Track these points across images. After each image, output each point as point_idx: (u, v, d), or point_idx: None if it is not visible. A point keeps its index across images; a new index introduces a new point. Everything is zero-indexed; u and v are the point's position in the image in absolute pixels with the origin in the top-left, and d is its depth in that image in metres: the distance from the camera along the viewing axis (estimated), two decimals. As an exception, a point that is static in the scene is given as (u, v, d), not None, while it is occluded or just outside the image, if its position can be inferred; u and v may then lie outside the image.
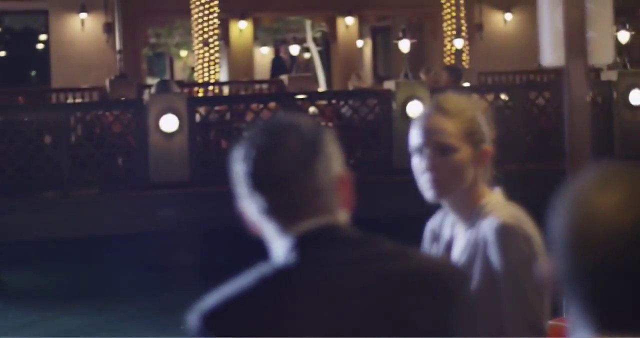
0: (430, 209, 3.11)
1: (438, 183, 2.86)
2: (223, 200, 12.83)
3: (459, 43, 20.49)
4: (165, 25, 29.16)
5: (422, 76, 15.73)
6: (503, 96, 14.59)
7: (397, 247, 2.07)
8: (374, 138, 13.80)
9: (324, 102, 14.39)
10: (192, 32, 21.14)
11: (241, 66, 25.80)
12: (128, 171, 13.38)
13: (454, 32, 22.48)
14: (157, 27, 29.27)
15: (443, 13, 23.00)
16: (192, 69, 25.13)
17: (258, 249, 2.19)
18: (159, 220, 12.83)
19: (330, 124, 14.06)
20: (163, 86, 13.51)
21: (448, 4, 22.89)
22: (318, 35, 30.09)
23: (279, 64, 24.43)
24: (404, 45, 13.89)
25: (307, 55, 32.70)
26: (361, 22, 26.74)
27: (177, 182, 13.02)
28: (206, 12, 21.01)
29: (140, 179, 13.15)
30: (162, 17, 26.05)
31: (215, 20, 20.90)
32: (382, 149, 13.71)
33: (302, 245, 2.00)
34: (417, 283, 2.04)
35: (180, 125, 13.02)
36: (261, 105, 13.79)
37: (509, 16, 26.88)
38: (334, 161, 2.06)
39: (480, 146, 2.89)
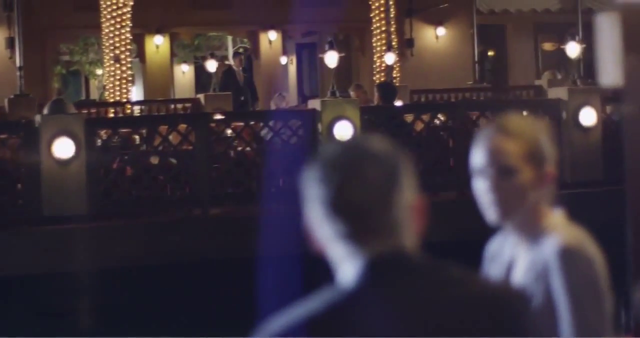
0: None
1: (500, 205, 2.86)
2: (126, 235, 11.17)
3: (389, 59, 19.05)
4: (76, 41, 27.50)
5: (352, 94, 14.30)
6: (441, 116, 13.19)
7: (462, 272, 2.14)
8: (297, 164, 12.23)
9: (241, 124, 12.82)
10: (103, 47, 19.52)
11: (158, 84, 24.15)
12: (16, 204, 11.65)
13: (384, 48, 21.05)
14: (69, 43, 27.61)
15: (372, 27, 21.58)
16: (104, 88, 23.45)
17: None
18: (51, 260, 11.17)
19: (248, 149, 12.52)
20: (57, 106, 11.83)
21: (377, 18, 21.48)
22: (240, 51, 28.59)
23: (229, 78, 21.91)
24: (331, 59, 12.36)
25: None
26: (285, 37, 25.25)
27: (74, 216, 11.35)
28: (117, 26, 19.35)
29: (30, 213, 11.46)
30: (73, 32, 24.34)
31: (128, 35, 19.29)
32: (307, 176, 12.17)
33: (372, 269, 2.08)
34: (482, 308, 2.10)
35: (77, 151, 11.36)
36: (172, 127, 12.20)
37: (441, 31, 25.57)
38: (410, 188, 2.12)
39: (542, 167, 2.93)
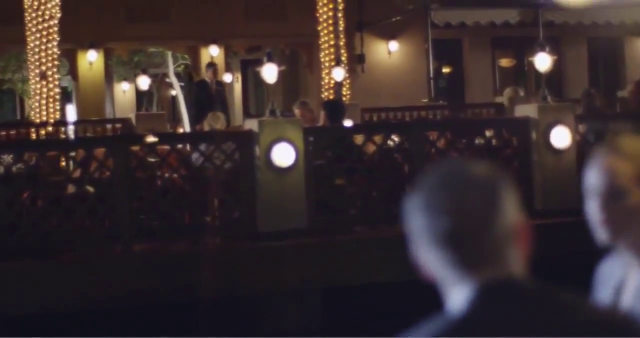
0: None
1: (610, 225, 2.81)
2: (33, 277, 9.49)
3: (338, 75, 17.53)
4: (2, 57, 25.85)
5: (296, 112, 12.80)
6: (395, 137, 11.70)
7: (575, 298, 2.15)
8: (232, 193, 10.70)
9: (166, 147, 11.23)
10: (28, 63, 17.87)
11: (91, 103, 22.48)
12: None
13: (333, 63, 19.54)
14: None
15: (320, 41, 20.06)
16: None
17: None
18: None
19: (175, 176, 10.93)
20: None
21: (325, 31, 19.96)
22: (181, 68, 27.06)
23: (201, 91, 19.32)
24: (269, 73, 10.79)
25: (174, 92, 29.64)
26: (228, 53, 23.70)
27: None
28: (44, 40, 17.65)
29: None
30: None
31: (55, 50, 17.61)
32: (243, 207, 10.63)
33: (483, 296, 2.08)
34: (598, 335, 2.08)
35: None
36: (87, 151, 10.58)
37: (393, 46, 24.16)
38: (514, 211, 2.13)
39: None
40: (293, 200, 10.66)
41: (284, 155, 10.55)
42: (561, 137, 11.47)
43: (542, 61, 11.74)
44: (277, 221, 10.59)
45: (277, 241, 10.51)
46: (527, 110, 11.65)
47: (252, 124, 10.75)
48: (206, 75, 19.78)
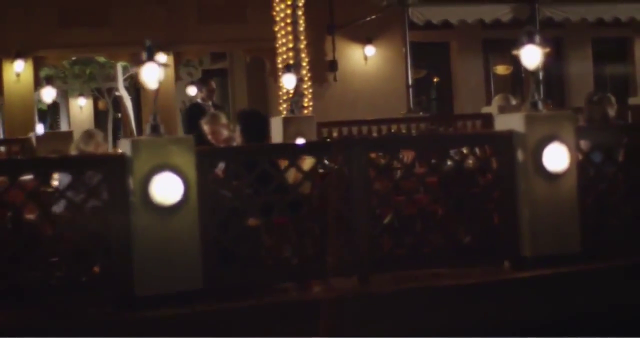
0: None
1: None
2: None
3: (288, 82, 14.45)
4: None
5: (205, 128, 9.84)
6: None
7: None
8: (99, 241, 7.64)
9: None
10: None
11: (19, 120, 19.48)
12: None
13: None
14: None
15: (277, 44, 17.09)
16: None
17: None
18: None
19: (31, 217, 7.89)
20: None
21: (283, 32, 16.98)
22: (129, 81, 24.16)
23: (195, 117, 14.47)
24: (150, 74, 7.74)
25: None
26: (179, 61, 20.68)
27: None
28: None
29: None
30: None
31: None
32: (113, 262, 7.59)
33: None
34: None
35: None
36: None
37: (370, 50, 21.12)
38: None
39: None
40: (182, 250, 7.63)
41: (167, 188, 7.53)
42: (557, 157, 8.42)
43: (531, 55, 8.69)
44: (161, 281, 7.57)
45: (159, 309, 7.48)
46: (511, 121, 8.59)
47: (124, 146, 7.70)
48: (199, 95, 14.50)
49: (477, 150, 8.65)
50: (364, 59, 21.19)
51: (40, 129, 18.72)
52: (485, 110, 15.39)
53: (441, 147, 8.56)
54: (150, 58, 7.89)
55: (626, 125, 10.48)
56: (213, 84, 14.16)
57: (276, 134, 13.87)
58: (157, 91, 7.86)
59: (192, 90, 25.15)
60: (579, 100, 17.60)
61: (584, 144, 9.25)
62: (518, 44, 8.74)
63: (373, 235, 8.18)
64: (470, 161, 8.87)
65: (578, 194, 8.51)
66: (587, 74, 23.34)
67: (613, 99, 11.17)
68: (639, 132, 9.37)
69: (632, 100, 16.98)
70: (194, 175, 7.65)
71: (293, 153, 8.22)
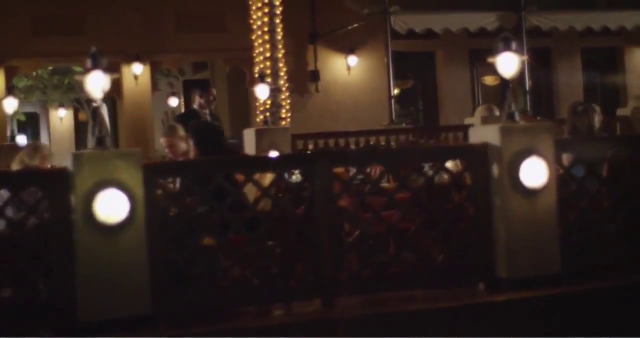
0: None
1: None
2: None
3: (261, 92, 13.87)
4: None
5: (162, 141, 9.32)
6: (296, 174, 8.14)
7: None
8: (37, 262, 7.08)
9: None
10: None
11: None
12: None
13: (269, 79, 16.00)
14: None
15: (254, 53, 16.56)
16: None
17: None
18: None
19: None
20: None
21: (260, 41, 16.44)
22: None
23: (191, 120, 12.89)
24: (96, 82, 7.18)
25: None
26: (155, 70, 20.14)
27: None
28: None
29: None
30: None
31: None
32: (55, 285, 7.03)
33: None
34: None
35: None
36: None
37: (353, 60, 20.58)
38: None
39: None
40: (129, 272, 7.06)
41: (111, 205, 6.97)
42: (535, 171, 7.86)
43: (507, 63, 8.14)
44: (106, 305, 7.00)
45: (103, 337, 6.91)
46: (486, 133, 8.03)
47: (66, 160, 7.13)
48: (197, 101, 12.94)
49: (449, 164, 8.09)
50: (346, 69, 20.65)
51: (22, 139, 18.19)
52: (468, 121, 14.85)
53: (410, 161, 8.00)
54: (96, 66, 7.35)
55: (610, 137, 9.91)
56: (214, 91, 13.10)
57: (249, 146, 13.32)
58: (100, 107, 7.31)
59: (173, 101, 24.62)
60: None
61: (566, 157, 8.73)
62: (494, 51, 8.19)
63: (338, 255, 7.62)
64: (445, 176, 8.34)
65: (558, 211, 7.95)
66: (577, 84, 22.81)
67: (599, 109, 10.65)
68: (624, 144, 8.79)
69: (620, 111, 16.42)
70: (141, 191, 7.09)
71: (251, 167, 7.64)
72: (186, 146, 9.16)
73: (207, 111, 12.85)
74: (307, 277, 7.64)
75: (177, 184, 8.37)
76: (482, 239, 7.87)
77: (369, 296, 7.77)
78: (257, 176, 8.40)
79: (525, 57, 8.14)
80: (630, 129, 15.56)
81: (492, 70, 24.26)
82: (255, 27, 16.52)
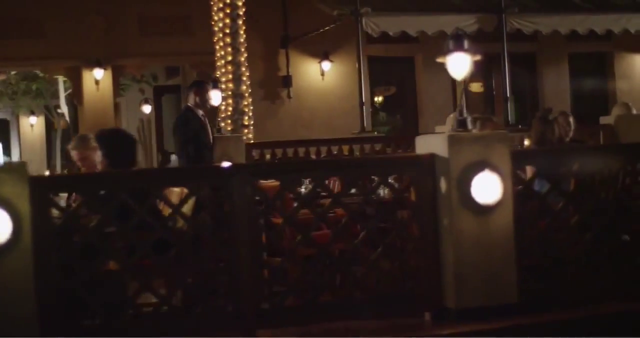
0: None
1: None
2: None
3: (215, 98, 12.88)
4: None
5: (73, 154, 8.35)
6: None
7: None
8: None
9: None
10: None
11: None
12: None
13: (231, 85, 15.06)
14: None
15: (216, 56, 15.61)
16: None
17: None
18: None
19: None
20: None
21: (221, 44, 15.48)
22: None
23: (189, 117, 12.31)
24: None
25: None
26: (117, 75, 19.19)
27: None
28: None
29: None
30: None
31: None
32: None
33: None
34: None
35: None
36: None
37: (326, 65, 19.64)
38: None
39: None
40: (13, 300, 6.11)
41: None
42: (489, 186, 6.89)
43: (458, 63, 7.19)
44: None
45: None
46: (432, 143, 7.06)
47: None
48: (192, 100, 12.08)
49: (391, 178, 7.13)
50: (320, 74, 19.70)
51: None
52: (439, 129, 13.91)
53: (345, 175, 7.03)
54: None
55: (577, 147, 8.93)
56: (209, 89, 12.45)
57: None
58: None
59: (146, 108, 23.68)
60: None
61: (530, 170, 7.80)
62: (444, 50, 7.24)
63: (260, 282, 6.65)
64: (386, 191, 7.38)
65: (515, 232, 6.97)
66: (564, 91, 21.85)
67: (571, 117, 9.74)
68: (593, 155, 7.80)
69: (603, 120, 15.45)
70: (27, 209, 6.12)
71: (159, 182, 6.66)
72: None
73: (200, 112, 12.10)
74: (225, 306, 6.67)
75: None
76: (427, 264, 6.90)
77: (297, 328, 6.79)
78: (176, 191, 7.47)
79: (478, 57, 7.15)
80: (614, 138, 14.59)
81: (476, 76, 23.11)
82: (216, 29, 15.58)
